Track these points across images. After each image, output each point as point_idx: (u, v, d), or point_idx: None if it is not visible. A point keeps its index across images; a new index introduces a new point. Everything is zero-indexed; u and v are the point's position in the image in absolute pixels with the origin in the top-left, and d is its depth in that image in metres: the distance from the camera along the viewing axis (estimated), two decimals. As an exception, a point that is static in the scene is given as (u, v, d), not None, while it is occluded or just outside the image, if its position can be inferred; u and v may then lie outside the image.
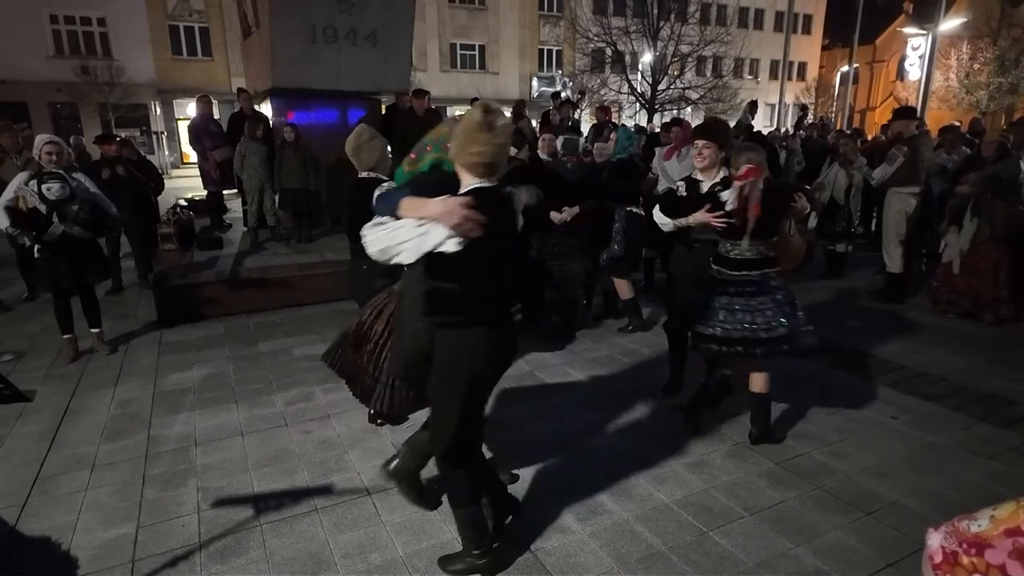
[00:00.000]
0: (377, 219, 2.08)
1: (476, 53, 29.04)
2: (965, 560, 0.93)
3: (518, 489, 3.00)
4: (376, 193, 2.61)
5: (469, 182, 2.14)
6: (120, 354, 4.90)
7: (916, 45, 31.22)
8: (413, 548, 2.61)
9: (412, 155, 2.59)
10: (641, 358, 4.77)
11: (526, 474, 3.13)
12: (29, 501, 2.98)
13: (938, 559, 0.97)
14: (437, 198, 2.03)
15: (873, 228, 8.38)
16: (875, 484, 3.05)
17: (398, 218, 2.04)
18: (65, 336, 4.77)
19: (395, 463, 2.78)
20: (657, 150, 6.64)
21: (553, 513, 2.84)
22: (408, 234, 2.00)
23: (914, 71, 32.49)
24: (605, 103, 13.28)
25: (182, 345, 5.10)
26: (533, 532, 2.71)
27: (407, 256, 2.03)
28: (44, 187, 4.37)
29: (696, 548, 2.61)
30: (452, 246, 2.00)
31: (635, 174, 5.34)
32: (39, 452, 3.42)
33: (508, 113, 10.27)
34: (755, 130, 8.52)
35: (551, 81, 29.35)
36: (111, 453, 3.41)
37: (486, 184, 2.13)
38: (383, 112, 8.10)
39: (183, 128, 20.17)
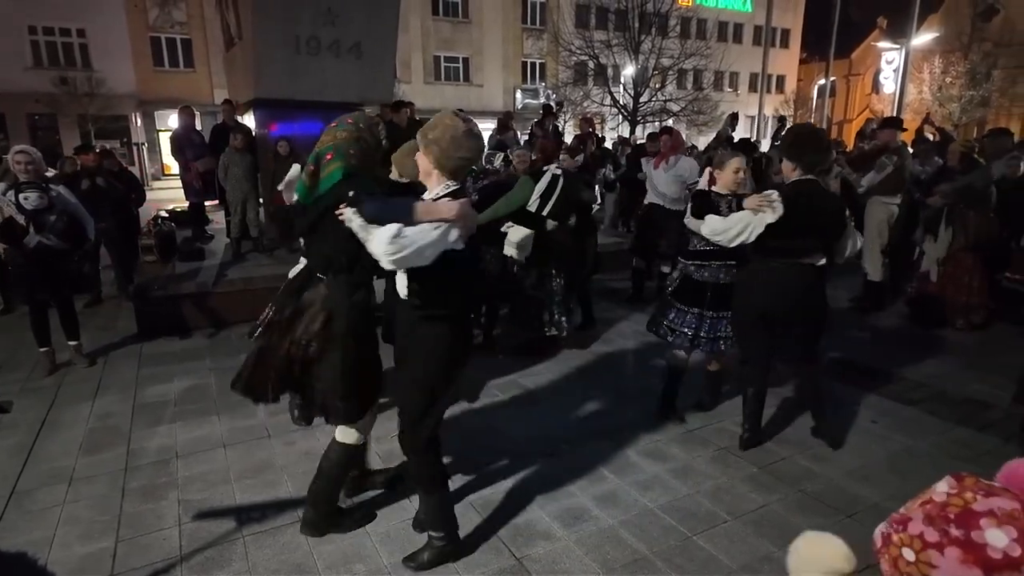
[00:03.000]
0: (388, 229, 2.00)
1: (460, 65, 29.16)
2: (895, 537, 1.01)
3: (504, 496, 3.00)
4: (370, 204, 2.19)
5: (445, 184, 2.24)
6: (99, 367, 4.82)
7: (890, 59, 32.04)
8: (398, 558, 2.59)
9: (311, 167, 2.50)
10: (625, 366, 4.80)
11: (511, 481, 3.13)
12: (5, 516, 2.92)
13: (879, 544, 1.05)
14: (445, 201, 2.13)
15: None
16: (856, 487, 3.10)
17: (412, 225, 2.02)
18: (42, 349, 4.69)
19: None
20: (644, 160, 6.85)
21: (538, 520, 2.84)
22: (429, 237, 2.02)
23: (889, 84, 33.30)
24: (588, 115, 13.37)
25: (163, 357, 5.03)
26: (518, 539, 2.71)
27: (427, 259, 2.06)
28: (21, 196, 4.33)
29: (681, 553, 2.62)
30: (460, 244, 2.11)
31: None
32: (15, 466, 3.34)
33: (494, 125, 10.30)
34: (745, 138, 8.58)
35: (535, 93, 29.58)
36: (89, 466, 3.35)
37: (457, 186, 2.24)
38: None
39: (164, 139, 20.01)
